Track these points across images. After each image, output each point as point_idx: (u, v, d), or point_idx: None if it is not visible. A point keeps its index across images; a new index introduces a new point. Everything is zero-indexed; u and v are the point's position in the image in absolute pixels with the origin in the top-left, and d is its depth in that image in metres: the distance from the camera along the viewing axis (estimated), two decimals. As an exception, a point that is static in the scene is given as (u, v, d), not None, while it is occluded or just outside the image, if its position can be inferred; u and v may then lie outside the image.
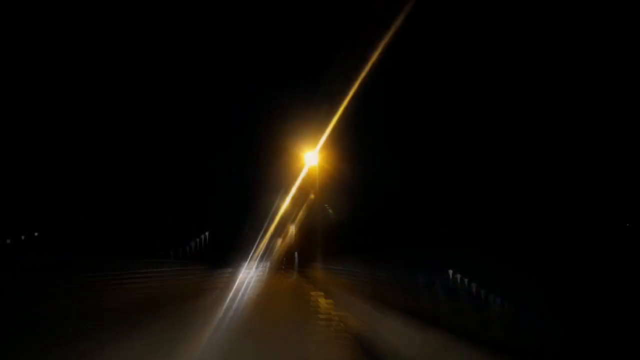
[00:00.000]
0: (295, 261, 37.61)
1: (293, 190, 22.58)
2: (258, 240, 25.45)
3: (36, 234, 18.32)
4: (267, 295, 15.58)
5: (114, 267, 13.34)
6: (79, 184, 18.13)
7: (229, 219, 28.54)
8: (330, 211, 21.77)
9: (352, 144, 16.36)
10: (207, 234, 29.00)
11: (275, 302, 13.43)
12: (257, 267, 28.64)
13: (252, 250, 25.29)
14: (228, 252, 24.79)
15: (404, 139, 14.10)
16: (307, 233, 29.13)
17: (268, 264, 32.98)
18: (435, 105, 12.70)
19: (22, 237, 17.88)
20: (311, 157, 17.86)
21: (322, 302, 12.74)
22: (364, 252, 14.93)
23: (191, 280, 17.99)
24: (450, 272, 8.25)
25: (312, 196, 22.82)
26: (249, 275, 22.44)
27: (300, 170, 20.02)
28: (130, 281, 13.69)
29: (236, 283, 17.92)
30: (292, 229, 32.09)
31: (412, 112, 13.21)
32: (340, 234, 20.17)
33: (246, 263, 24.91)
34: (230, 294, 14.05)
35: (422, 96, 13.19)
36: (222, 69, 21.00)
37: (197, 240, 27.49)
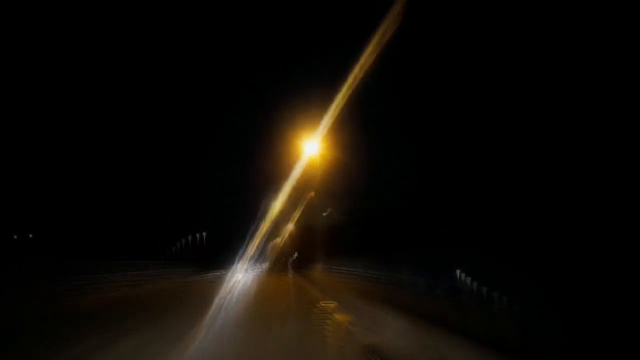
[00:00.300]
0: (295, 262, 37.15)
1: (292, 188, 22.25)
2: (255, 240, 25.10)
3: (30, 235, 18.00)
4: (263, 305, 12.12)
5: (112, 268, 13.20)
6: (76, 183, 17.80)
7: (227, 218, 28.28)
8: (331, 209, 21.48)
9: (354, 137, 15.97)
10: (204, 234, 28.77)
11: (274, 318, 9.29)
12: (255, 268, 28.32)
13: (250, 250, 24.94)
14: (225, 252, 24.52)
15: (407, 135, 13.85)
16: (306, 232, 28.79)
17: (266, 264, 32.64)
18: (441, 102, 12.46)
19: (15, 237, 17.55)
20: (311, 149, 17.28)
21: (339, 319, 8.74)
22: (371, 252, 14.41)
23: (185, 282, 17.73)
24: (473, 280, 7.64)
25: (311, 193, 22.60)
26: (245, 277, 21.96)
27: (299, 165, 19.61)
28: (127, 282, 13.53)
29: (230, 286, 16.93)
30: (291, 228, 31.73)
31: (419, 108, 12.93)
32: (342, 233, 19.77)
33: (243, 264, 24.57)
34: (224, 298, 13.02)
35: (425, 93, 12.95)
36: (220, 69, 20.76)
37: (196, 240, 27.23)
